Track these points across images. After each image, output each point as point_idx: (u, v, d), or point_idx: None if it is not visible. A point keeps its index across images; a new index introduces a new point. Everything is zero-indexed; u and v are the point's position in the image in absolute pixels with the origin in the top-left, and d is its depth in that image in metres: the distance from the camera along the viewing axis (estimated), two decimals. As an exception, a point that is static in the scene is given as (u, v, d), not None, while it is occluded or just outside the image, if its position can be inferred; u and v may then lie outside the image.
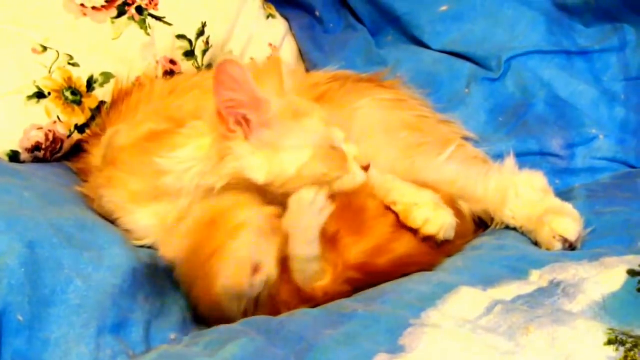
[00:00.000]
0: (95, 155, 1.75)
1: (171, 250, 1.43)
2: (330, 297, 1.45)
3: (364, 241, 1.49)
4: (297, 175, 1.49)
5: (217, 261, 1.35)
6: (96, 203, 1.62)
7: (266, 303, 1.41)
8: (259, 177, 1.49)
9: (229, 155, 1.49)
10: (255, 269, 1.37)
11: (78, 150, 1.89)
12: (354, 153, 1.57)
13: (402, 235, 1.54)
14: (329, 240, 1.47)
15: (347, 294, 1.47)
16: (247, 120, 1.49)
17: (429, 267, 1.55)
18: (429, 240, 1.57)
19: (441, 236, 1.57)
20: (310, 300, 1.44)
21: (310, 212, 1.45)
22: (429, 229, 1.56)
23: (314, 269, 1.46)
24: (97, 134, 1.83)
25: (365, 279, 1.48)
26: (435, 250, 1.57)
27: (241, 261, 1.35)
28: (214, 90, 1.47)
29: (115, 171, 1.58)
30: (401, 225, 1.55)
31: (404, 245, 1.53)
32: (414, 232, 1.55)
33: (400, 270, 1.51)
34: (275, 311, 1.41)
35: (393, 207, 1.58)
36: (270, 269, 1.40)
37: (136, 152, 1.58)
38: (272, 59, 1.74)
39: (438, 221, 1.57)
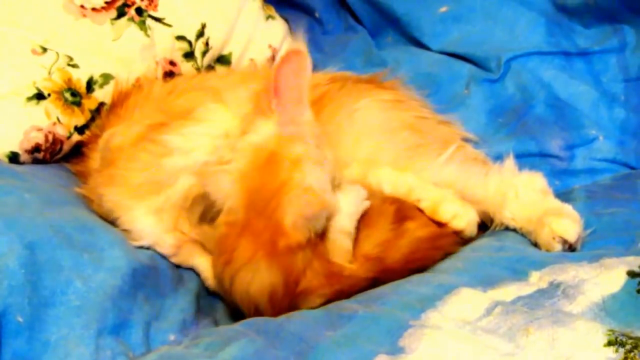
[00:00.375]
0: (94, 159, 1.75)
1: (223, 195, 1.46)
2: (354, 282, 1.47)
3: (374, 235, 1.51)
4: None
5: (285, 194, 1.39)
6: (95, 203, 1.63)
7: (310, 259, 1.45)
8: None
9: (252, 130, 1.51)
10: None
11: (78, 151, 1.89)
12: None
13: (402, 233, 1.55)
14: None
15: (370, 283, 1.48)
16: (277, 112, 1.52)
17: (428, 264, 1.56)
18: (456, 234, 1.65)
19: (468, 231, 1.67)
20: (336, 278, 1.47)
21: (360, 196, 1.54)
22: (458, 224, 1.65)
23: (347, 245, 1.50)
24: (97, 135, 1.83)
25: (382, 271, 1.50)
26: (434, 247, 1.58)
27: (309, 190, 1.40)
28: (279, 66, 1.52)
29: (114, 169, 1.59)
30: (398, 223, 1.55)
31: (407, 242, 1.54)
32: (413, 230, 1.56)
33: (407, 266, 1.52)
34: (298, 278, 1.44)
35: (418, 204, 1.65)
36: (331, 198, 1.47)
37: (135, 146, 1.59)
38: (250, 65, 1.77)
39: (466, 217, 1.66)
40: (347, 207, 1.51)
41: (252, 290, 1.42)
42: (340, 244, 1.49)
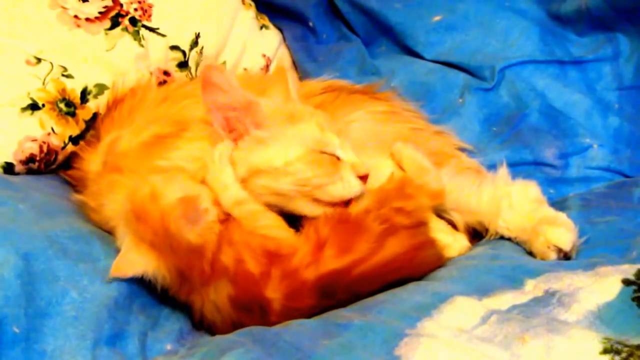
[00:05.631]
0: (90, 161, 1.74)
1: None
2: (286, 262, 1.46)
3: (344, 258, 1.47)
4: (283, 170, 1.54)
5: (169, 220, 1.40)
6: (93, 210, 1.62)
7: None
8: (241, 171, 1.55)
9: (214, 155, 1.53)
10: (194, 197, 1.44)
11: (72, 161, 1.88)
12: (351, 160, 1.59)
13: (383, 247, 1.50)
14: (317, 242, 1.48)
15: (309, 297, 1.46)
16: (239, 122, 1.53)
17: (409, 270, 1.54)
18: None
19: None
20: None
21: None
22: (449, 253, 1.68)
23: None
24: (91, 143, 1.82)
25: (333, 285, 1.47)
26: (415, 261, 1.56)
27: (180, 202, 1.41)
28: (202, 97, 1.52)
29: (119, 176, 1.58)
30: (380, 242, 1.51)
31: (382, 255, 1.49)
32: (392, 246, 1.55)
33: (378, 275, 1.49)
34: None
35: None
36: (201, 189, 1.50)
37: (140, 156, 1.59)
38: (278, 68, 1.77)
39: (456, 246, 1.71)
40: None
41: (223, 312, 1.45)
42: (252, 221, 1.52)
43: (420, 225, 1.58)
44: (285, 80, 1.69)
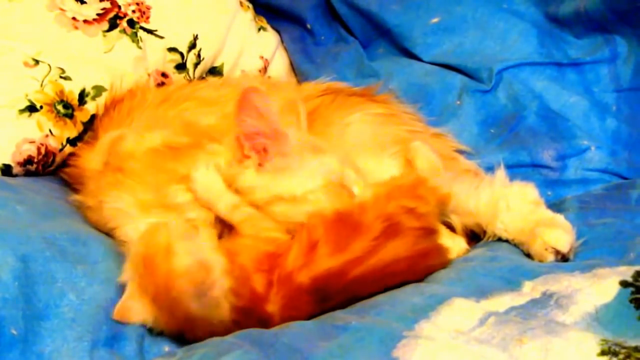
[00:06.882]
0: (88, 159, 1.75)
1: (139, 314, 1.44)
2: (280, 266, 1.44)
3: (339, 257, 1.45)
4: (303, 199, 1.53)
5: (174, 286, 1.35)
6: (92, 209, 1.62)
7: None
8: (261, 196, 1.53)
9: (237, 179, 1.52)
10: (206, 267, 1.37)
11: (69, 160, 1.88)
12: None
13: (383, 247, 1.47)
14: (309, 242, 1.45)
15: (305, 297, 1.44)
16: (265, 150, 1.53)
17: (412, 276, 1.52)
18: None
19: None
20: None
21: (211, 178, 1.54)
22: (449, 256, 1.63)
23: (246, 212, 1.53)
24: (89, 143, 1.82)
25: (328, 287, 1.44)
26: (420, 268, 1.54)
27: (191, 270, 1.35)
28: (235, 115, 1.52)
29: (122, 177, 1.57)
30: (382, 238, 1.48)
31: (382, 256, 1.46)
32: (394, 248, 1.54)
33: (377, 278, 1.47)
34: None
35: None
36: (216, 259, 1.41)
37: (149, 162, 1.59)
38: (291, 102, 1.76)
39: (456, 249, 1.70)
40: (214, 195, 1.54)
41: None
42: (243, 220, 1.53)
43: (431, 232, 1.56)
44: (298, 113, 1.69)
